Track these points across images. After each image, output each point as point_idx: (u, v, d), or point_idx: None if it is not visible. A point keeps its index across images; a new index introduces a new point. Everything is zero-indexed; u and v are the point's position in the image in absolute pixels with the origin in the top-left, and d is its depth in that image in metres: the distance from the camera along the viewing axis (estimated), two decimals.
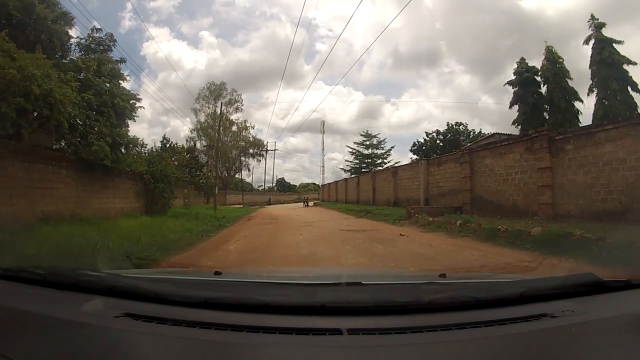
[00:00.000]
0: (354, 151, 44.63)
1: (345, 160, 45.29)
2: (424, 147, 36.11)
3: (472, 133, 35.26)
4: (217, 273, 1.64)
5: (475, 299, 1.14)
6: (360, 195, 27.66)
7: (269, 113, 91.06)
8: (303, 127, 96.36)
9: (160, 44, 68.22)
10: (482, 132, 33.56)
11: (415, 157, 33.52)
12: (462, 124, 36.72)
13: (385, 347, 0.94)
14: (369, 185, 25.39)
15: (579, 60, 40.86)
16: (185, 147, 30.36)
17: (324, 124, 63.33)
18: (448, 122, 37.32)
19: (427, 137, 37.20)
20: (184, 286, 1.35)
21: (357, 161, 43.93)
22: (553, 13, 51.52)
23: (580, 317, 1.09)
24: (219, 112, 40.56)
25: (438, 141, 36.17)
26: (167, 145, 29.05)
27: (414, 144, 37.81)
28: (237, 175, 49.13)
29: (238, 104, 46.51)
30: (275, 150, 55.77)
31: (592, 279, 1.28)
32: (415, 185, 17.84)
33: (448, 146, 31.57)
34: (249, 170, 50.92)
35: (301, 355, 0.93)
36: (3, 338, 0.98)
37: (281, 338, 0.96)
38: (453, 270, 3.80)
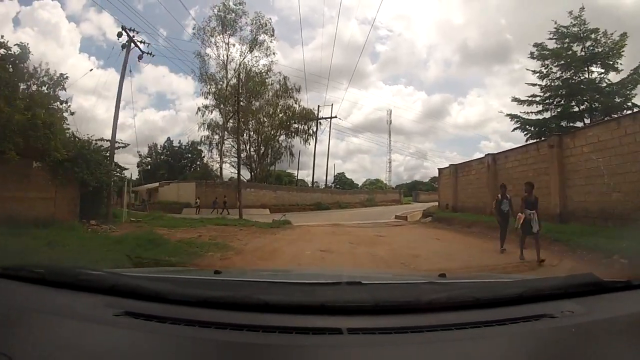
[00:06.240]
0: (546, 72, 16.83)
1: (513, 100, 17.86)
2: None
3: None
4: (217, 272, 1.64)
5: (475, 299, 1.14)
6: None
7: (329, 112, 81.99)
8: (364, 127, 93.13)
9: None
10: None
11: None
12: None
13: (385, 347, 0.94)
14: None
15: None
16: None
17: (390, 113, 57.74)
18: None
19: None
20: (184, 285, 1.35)
21: (545, 100, 16.93)
22: (632, 1, 42.38)
23: (580, 317, 1.09)
24: (233, 52, 25.47)
25: None
26: None
27: None
28: (284, 162, 33.15)
29: (265, 36, 28.02)
30: (332, 117, 35.25)
31: (592, 279, 1.28)
32: None
33: None
34: (292, 155, 34.01)
35: (301, 355, 0.93)
36: (2, 336, 0.98)
37: (281, 337, 0.96)
38: (453, 270, 3.80)
